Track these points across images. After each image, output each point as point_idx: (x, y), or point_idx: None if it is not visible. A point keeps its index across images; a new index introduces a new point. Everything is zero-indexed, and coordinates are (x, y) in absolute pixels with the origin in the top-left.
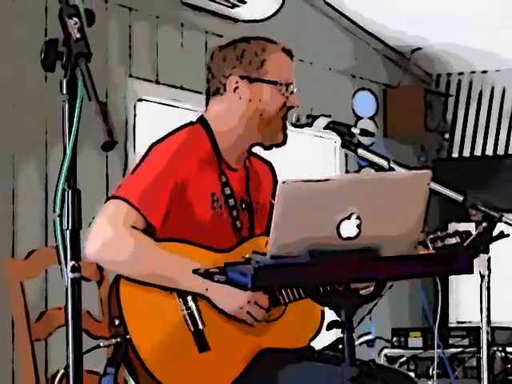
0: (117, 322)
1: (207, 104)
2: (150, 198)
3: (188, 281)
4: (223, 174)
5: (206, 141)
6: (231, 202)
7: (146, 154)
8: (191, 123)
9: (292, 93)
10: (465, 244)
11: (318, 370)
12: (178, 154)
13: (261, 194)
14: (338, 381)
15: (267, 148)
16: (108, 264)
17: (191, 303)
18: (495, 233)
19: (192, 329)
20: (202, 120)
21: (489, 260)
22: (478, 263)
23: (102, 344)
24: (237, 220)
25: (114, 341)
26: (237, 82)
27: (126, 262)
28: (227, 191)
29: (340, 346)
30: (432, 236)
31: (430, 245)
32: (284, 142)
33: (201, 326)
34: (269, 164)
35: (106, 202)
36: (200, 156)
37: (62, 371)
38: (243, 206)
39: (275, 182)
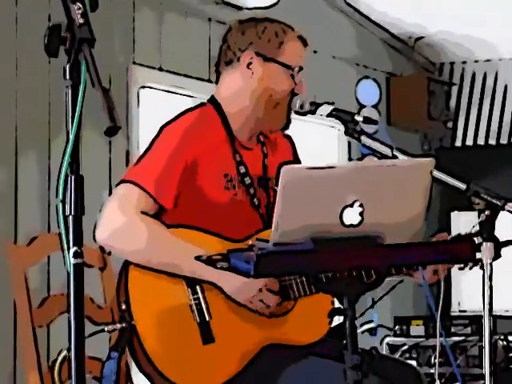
0: (123, 306)
1: (217, 79)
2: (161, 180)
3: (200, 269)
4: (237, 153)
5: (218, 121)
6: (247, 180)
7: (157, 135)
8: (202, 104)
9: (301, 80)
10: (467, 232)
11: (321, 367)
12: (188, 133)
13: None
14: (341, 377)
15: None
16: (119, 251)
17: (199, 293)
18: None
19: (198, 320)
20: (212, 100)
21: (495, 247)
22: (481, 252)
23: (106, 328)
24: (254, 198)
25: (119, 325)
26: (251, 58)
27: (138, 251)
28: (242, 170)
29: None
30: (452, 236)
31: None
32: (286, 127)
33: (207, 318)
34: (289, 137)
35: (117, 185)
36: (211, 136)
37: (64, 352)
38: (260, 183)
39: (295, 155)
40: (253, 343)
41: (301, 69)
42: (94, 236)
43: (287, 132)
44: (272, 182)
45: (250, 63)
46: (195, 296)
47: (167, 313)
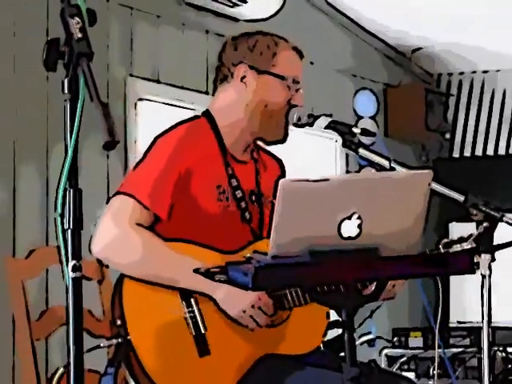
0: (118, 322)
1: (214, 94)
2: (155, 191)
3: (195, 282)
4: (229, 166)
5: (210, 133)
6: (238, 193)
7: (150, 146)
8: (196, 117)
9: (297, 91)
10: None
11: (319, 377)
12: (181, 144)
13: (270, 188)
14: None
15: (267, 143)
16: (113, 264)
17: (194, 306)
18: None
19: (193, 332)
20: (206, 113)
21: (490, 260)
22: (480, 264)
23: (102, 344)
24: (245, 211)
25: (114, 341)
26: (245, 71)
27: (132, 263)
28: (234, 183)
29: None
30: (446, 241)
31: (442, 250)
32: (284, 140)
33: (203, 330)
34: (278, 160)
35: (112, 197)
36: (204, 148)
37: (61, 370)
38: (252, 198)
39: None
40: (249, 354)
41: (297, 80)
42: (89, 249)
43: (283, 145)
44: (264, 198)
45: (243, 77)
46: (190, 309)
47: (163, 326)
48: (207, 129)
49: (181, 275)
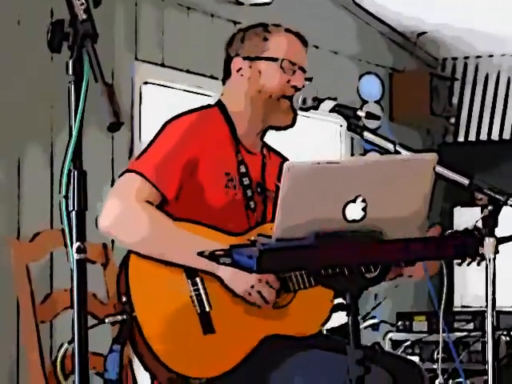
0: (124, 298)
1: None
2: (164, 171)
3: (201, 260)
4: (239, 153)
5: (223, 122)
6: (246, 180)
7: (160, 130)
8: (209, 106)
9: (294, 72)
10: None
11: (323, 358)
12: (191, 130)
13: (274, 183)
14: (344, 369)
15: (277, 129)
16: (120, 240)
17: (199, 284)
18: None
19: (198, 310)
20: (219, 103)
21: (495, 243)
22: (484, 247)
23: (107, 320)
24: (251, 200)
25: (119, 317)
26: (240, 63)
27: (139, 240)
28: (242, 169)
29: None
30: (451, 231)
31: None
32: (293, 124)
33: (207, 308)
34: (285, 159)
35: (119, 176)
36: (215, 135)
37: (65, 345)
38: (258, 189)
39: None
40: (253, 333)
41: (293, 62)
42: (96, 224)
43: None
44: (270, 192)
45: (239, 68)
46: (195, 287)
47: (168, 304)
48: (219, 117)
49: (186, 253)
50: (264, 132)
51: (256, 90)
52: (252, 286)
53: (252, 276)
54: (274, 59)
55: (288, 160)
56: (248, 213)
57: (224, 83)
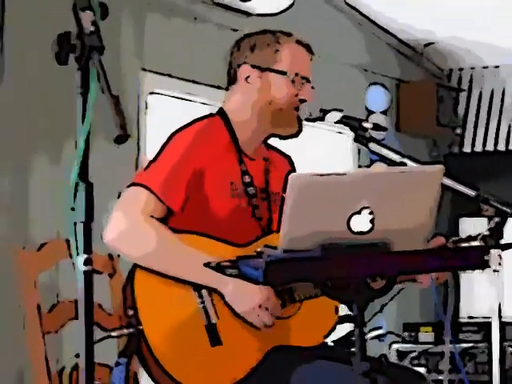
0: (130, 312)
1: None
2: (170, 184)
3: (204, 276)
4: (243, 163)
5: (225, 131)
6: (251, 190)
7: (166, 142)
8: (211, 115)
9: (303, 84)
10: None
11: (330, 369)
12: (197, 141)
13: (280, 185)
14: (350, 380)
15: (281, 138)
16: (125, 254)
17: (206, 296)
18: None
19: (205, 322)
20: (221, 112)
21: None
22: (490, 258)
23: (113, 334)
24: (256, 209)
25: (126, 331)
26: (248, 71)
27: (144, 255)
28: (247, 179)
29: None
30: (454, 239)
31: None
32: (298, 134)
33: (214, 320)
34: (287, 157)
35: (126, 187)
36: (218, 145)
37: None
38: (263, 195)
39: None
40: (260, 345)
41: (301, 75)
42: (101, 237)
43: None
44: (273, 196)
45: (247, 77)
46: (202, 299)
47: (175, 316)
48: (222, 126)
49: (190, 269)
50: (267, 139)
51: (266, 101)
52: (252, 309)
53: (253, 299)
54: (284, 73)
55: (287, 155)
56: (254, 221)
57: (227, 89)
